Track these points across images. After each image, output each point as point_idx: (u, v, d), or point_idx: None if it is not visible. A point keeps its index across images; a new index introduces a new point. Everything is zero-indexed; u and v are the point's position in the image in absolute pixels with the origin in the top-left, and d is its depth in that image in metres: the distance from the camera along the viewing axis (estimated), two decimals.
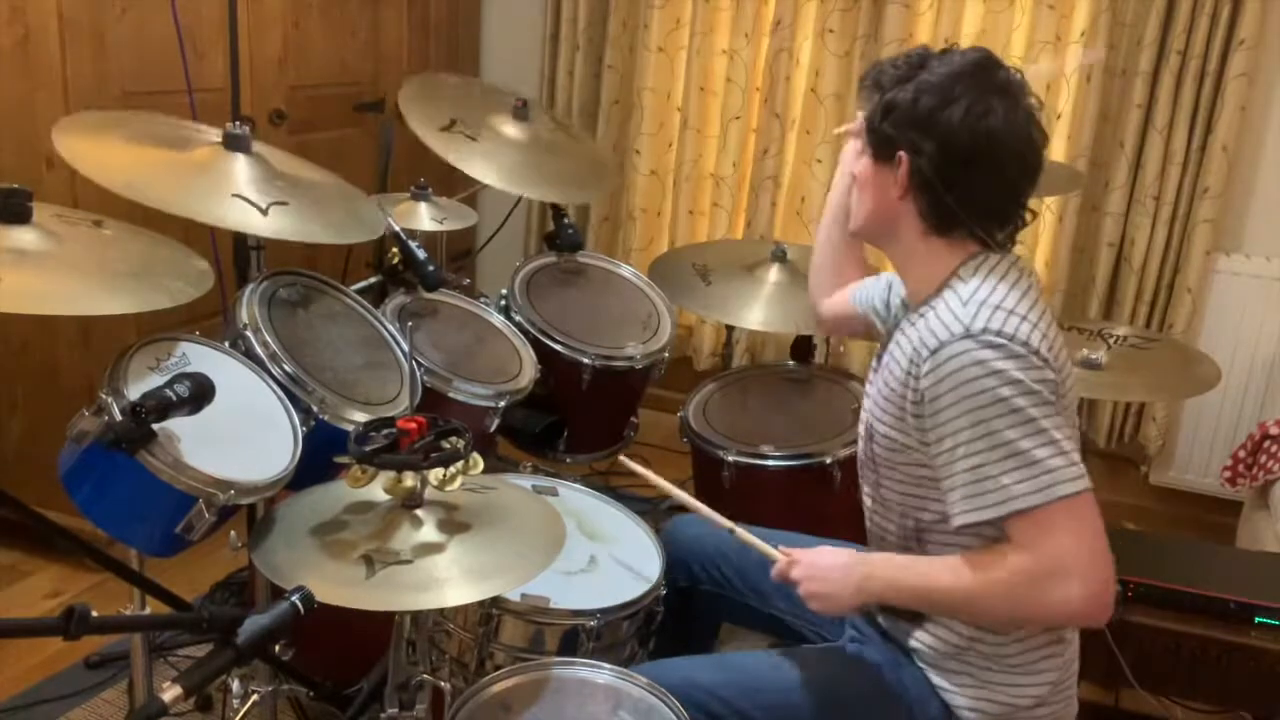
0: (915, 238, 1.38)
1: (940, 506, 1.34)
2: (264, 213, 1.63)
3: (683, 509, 1.62)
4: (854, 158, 1.55)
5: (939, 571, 1.33)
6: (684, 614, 1.70)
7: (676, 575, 1.70)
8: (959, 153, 1.31)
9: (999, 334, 1.26)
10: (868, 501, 1.51)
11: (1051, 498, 1.22)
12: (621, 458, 1.74)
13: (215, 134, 1.76)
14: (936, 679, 1.40)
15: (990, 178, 1.33)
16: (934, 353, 1.28)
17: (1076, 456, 1.25)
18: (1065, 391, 1.30)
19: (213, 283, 1.53)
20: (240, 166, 1.70)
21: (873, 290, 1.67)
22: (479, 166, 2.27)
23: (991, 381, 1.24)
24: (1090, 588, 1.25)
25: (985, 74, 1.32)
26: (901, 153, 1.34)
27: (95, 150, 1.62)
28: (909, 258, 1.42)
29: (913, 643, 1.42)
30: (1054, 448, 1.23)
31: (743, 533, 1.51)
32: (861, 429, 1.49)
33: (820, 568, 1.39)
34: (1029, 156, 1.34)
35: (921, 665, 1.41)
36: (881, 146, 1.37)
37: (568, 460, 2.40)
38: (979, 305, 1.29)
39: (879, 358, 1.47)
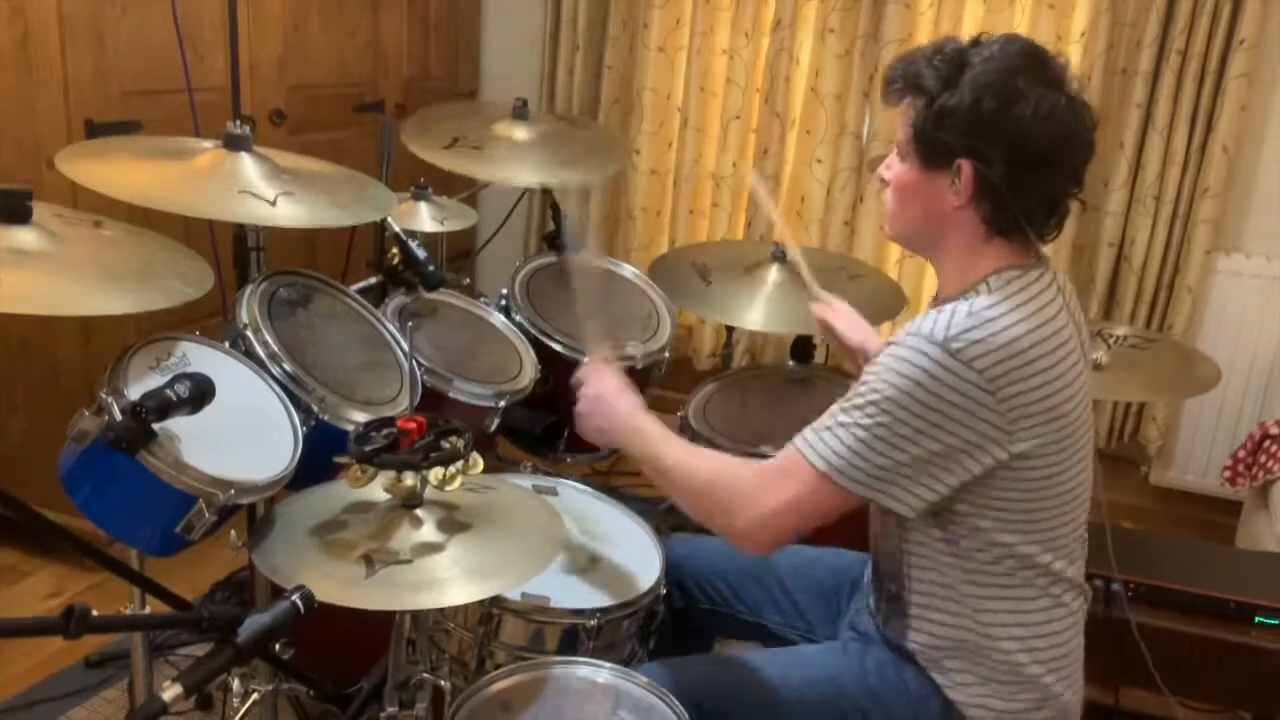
0: (965, 239, 1.32)
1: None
2: (272, 204, 1.64)
3: (680, 528, 1.63)
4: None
5: (672, 449, 1.41)
6: (681, 633, 1.70)
7: (672, 596, 1.68)
8: (1032, 155, 1.25)
9: (942, 341, 1.23)
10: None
11: (814, 461, 1.27)
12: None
13: (215, 142, 1.77)
14: (938, 677, 1.39)
15: (1058, 174, 1.28)
16: (908, 335, 1.26)
17: (869, 459, 1.25)
18: (1009, 411, 1.24)
19: (213, 283, 1.53)
20: (244, 164, 1.71)
21: None
22: (489, 171, 2.31)
23: (905, 367, 1.23)
24: (755, 536, 1.33)
25: (1040, 66, 1.27)
26: (962, 161, 1.27)
27: (102, 170, 1.64)
28: (950, 257, 1.36)
29: (910, 644, 1.42)
30: (859, 442, 1.25)
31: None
32: None
33: (604, 405, 1.49)
34: (1091, 146, 1.31)
35: (922, 664, 1.41)
36: (935, 154, 1.29)
37: (568, 460, 2.40)
38: (967, 315, 1.25)
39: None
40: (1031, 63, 1.27)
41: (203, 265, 1.54)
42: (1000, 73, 1.25)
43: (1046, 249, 1.38)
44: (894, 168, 1.37)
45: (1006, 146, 1.25)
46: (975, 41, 1.30)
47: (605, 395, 1.50)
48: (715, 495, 1.36)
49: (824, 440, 1.28)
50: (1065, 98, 1.27)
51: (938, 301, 1.39)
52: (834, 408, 1.31)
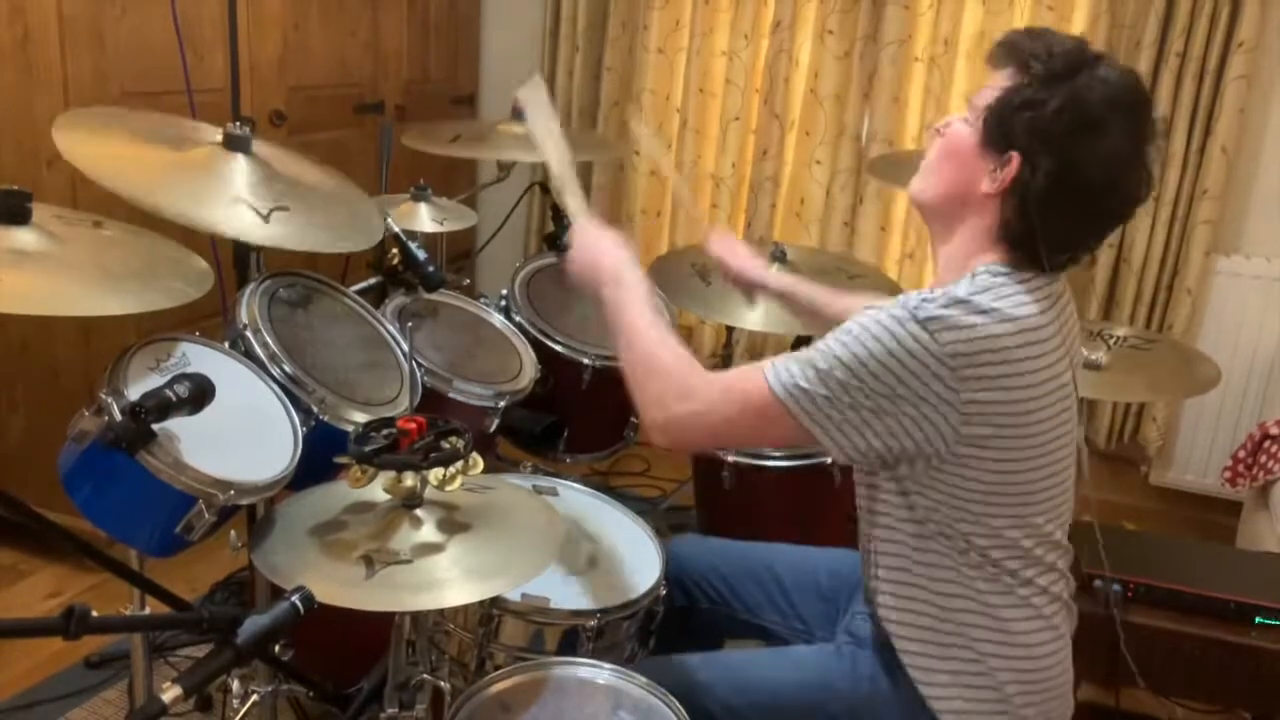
0: (977, 228, 1.31)
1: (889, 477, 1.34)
2: (265, 219, 1.62)
3: (682, 527, 1.62)
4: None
5: (643, 315, 1.40)
6: (684, 633, 1.69)
7: (673, 596, 1.68)
8: (1076, 186, 1.24)
9: (928, 322, 1.21)
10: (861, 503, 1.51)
11: (774, 384, 1.27)
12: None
13: (214, 133, 1.74)
14: (925, 690, 1.37)
15: (1087, 217, 1.27)
16: (893, 302, 1.26)
17: (832, 399, 1.24)
18: (967, 393, 1.23)
19: (213, 283, 1.53)
20: (241, 168, 1.68)
21: None
22: (496, 151, 2.41)
23: (877, 328, 1.23)
24: (680, 430, 1.34)
25: (1140, 114, 1.25)
26: (1014, 154, 1.25)
27: (95, 149, 1.60)
28: (955, 240, 1.34)
29: (902, 654, 1.41)
30: (823, 380, 1.24)
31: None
32: None
33: (600, 243, 1.49)
34: (1129, 212, 1.30)
35: (911, 674, 1.39)
36: (996, 135, 1.27)
37: (568, 460, 2.40)
38: (950, 297, 1.23)
39: None
40: (1132, 109, 1.25)
41: (203, 265, 1.54)
42: (1100, 99, 1.23)
43: None
44: (955, 126, 1.34)
45: (1060, 164, 1.23)
46: (1100, 56, 1.27)
47: (603, 239, 1.49)
48: (664, 377, 1.35)
49: (789, 369, 1.28)
50: (1140, 157, 1.25)
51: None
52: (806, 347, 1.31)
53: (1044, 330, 1.26)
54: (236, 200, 1.62)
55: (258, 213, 1.61)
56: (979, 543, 1.31)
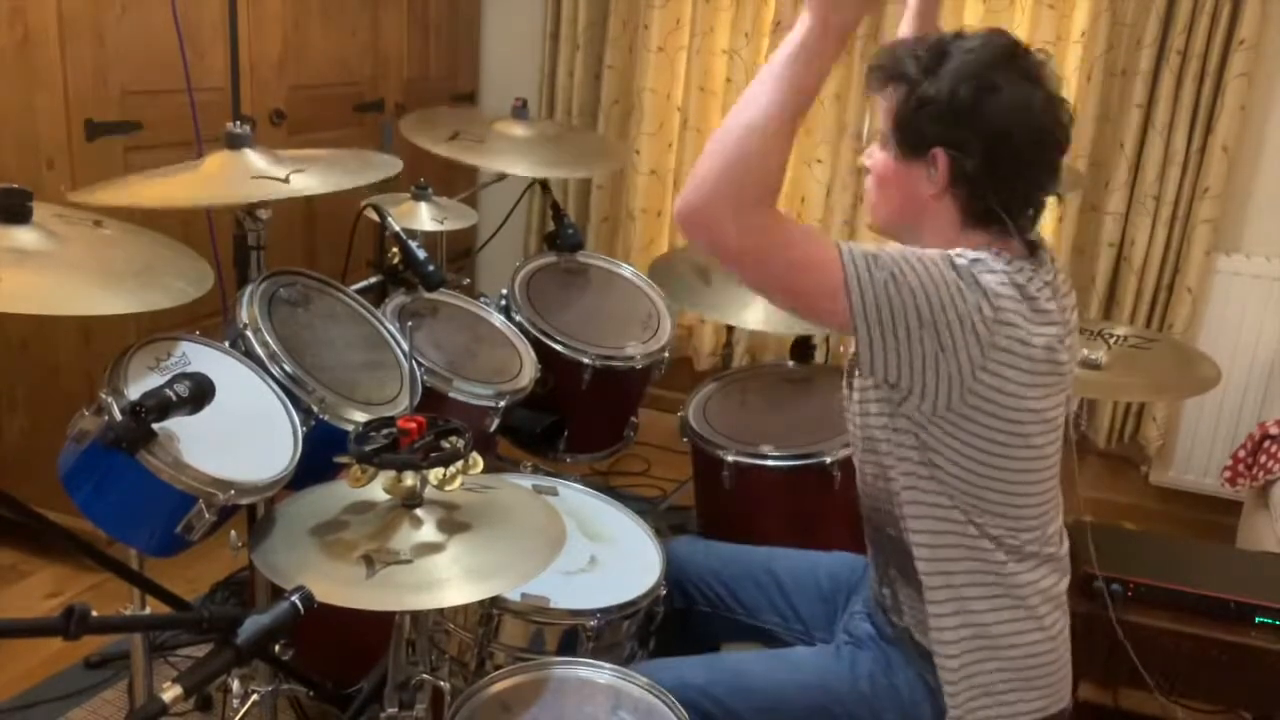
0: (946, 232, 1.33)
1: (901, 466, 1.33)
2: (285, 180, 1.67)
3: (682, 527, 1.61)
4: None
5: (785, 112, 1.22)
6: (682, 637, 1.70)
7: (672, 597, 1.68)
8: (1007, 147, 1.26)
9: (968, 267, 1.23)
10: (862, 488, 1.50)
11: (845, 256, 1.21)
12: None
13: (217, 151, 1.81)
14: (932, 681, 1.39)
15: (1032, 168, 1.29)
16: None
17: (889, 298, 1.20)
18: (994, 337, 1.24)
19: (213, 282, 1.53)
20: (249, 158, 1.75)
21: None
22: (494, 160, 2.38)
23: (928, 258, 1.23)
24: (728, 235, 1.21)
25: (1015, 60, 1.28)
26: (938, 151, 1.28)
27: (114, 194, 1.67)
28: (928, 245, 1.35)
29: (903, 646, 1.42)
30: (890, 275, 1.20)
31: None
32: (845, 392, 1.48)
33: None
34: (1064, 142, 1.31)
35: (915, 668, 1.41)
36: (912, 144, 1.31)
37: (568, 460, 2.40)
38: (969, 258, 1.26)
39: None
40: (1011, 57, 1.28)
41: (203, 264, 1.55)
42: (979, 64, 1.26)
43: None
44: (875, 156, 1.37)
45: (982, 137, 1.26)
46: (959, 34, 1.31)
47: None
48: (749, 173, 1.21)
49: (864, 252, 1.23)
50: (1043, 93, 1.28)
51: None
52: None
53: (1039, 302, 1.27)
54: (256, 177, 1.68)
55: (278, 179, 1.68)
56: (991, 531, 1.32)
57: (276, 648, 1.72)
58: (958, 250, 1.27)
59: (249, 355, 1.63)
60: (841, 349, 3.04)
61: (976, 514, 1.32)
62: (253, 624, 1.07)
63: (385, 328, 1.92)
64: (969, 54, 1.27)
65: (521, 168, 2.45)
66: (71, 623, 0.97)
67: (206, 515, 1.40)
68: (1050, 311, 1.28)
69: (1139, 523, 3.05)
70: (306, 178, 1.70)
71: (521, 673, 1.42)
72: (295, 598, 1.11)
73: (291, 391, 1.62)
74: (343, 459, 1.33)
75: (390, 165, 1.88)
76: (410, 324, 2.04)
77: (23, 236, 1.38)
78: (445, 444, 1.35)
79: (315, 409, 1.63)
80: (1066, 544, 1.43)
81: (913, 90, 1.28)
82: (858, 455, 1.46)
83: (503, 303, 2.30)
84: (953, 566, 1.34)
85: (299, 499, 1.44)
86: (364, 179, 1.81)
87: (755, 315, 2.31)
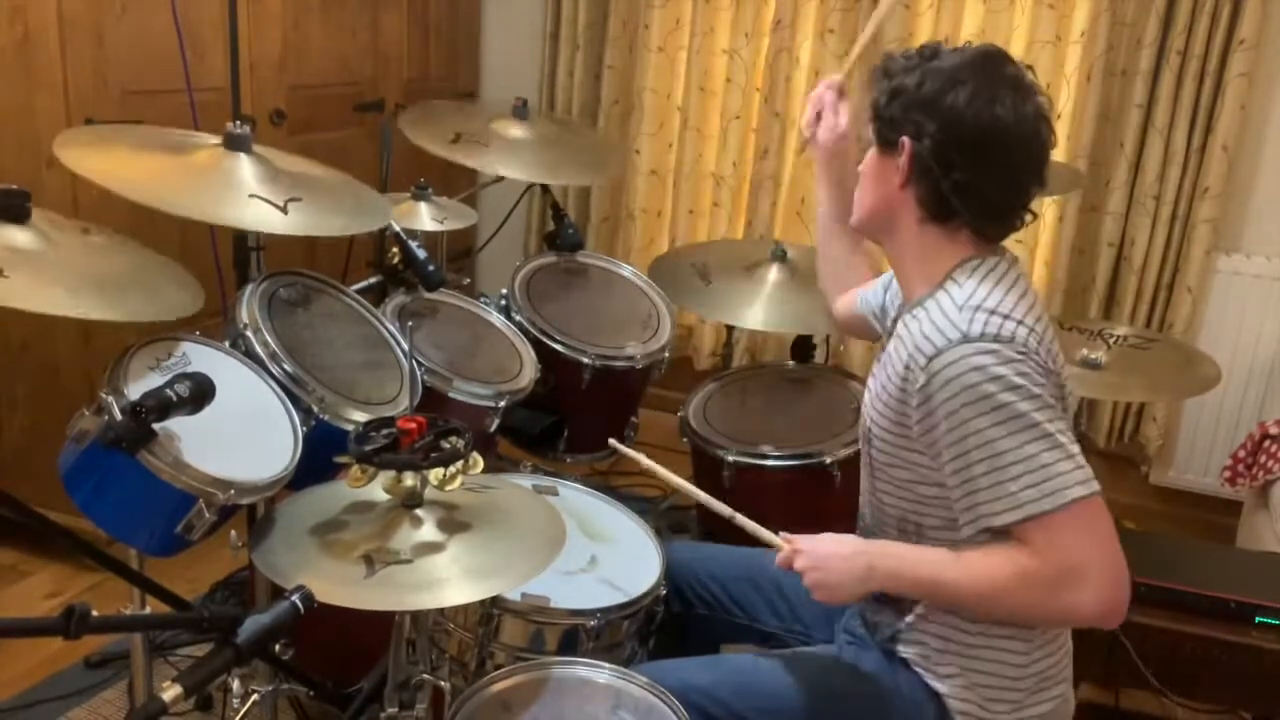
0: (912, 227, 1.36)
1: (939, 512, 1.33)
2: (283, 210, 1.64)
3: (681, 527, 1.61)
4: (827, 157, 1.71)
5: (946, 567, 1.30)
6: (680, 639, 1.69)
7: (670, 600, 1.68)
8: (961, 137, 1.29)
9: (997, 338, 1.24)
10: (865, 509, 1.51)
11: (1061, 502, 1.20)
12: (613, 442, 1.67)
13: (213, 138, 1.77)
14: (932, 682, 1.39)
15: (993, 168, 1.30)
16: (931, 359, 1.27)
17: (1082, 459, 1.23)
18: (1065, 395, 1.30)
19: (202, 297, 1.53)
20: (245, 166, 1.70)
21: (872, 293, 1.67)
22: (497, 164, 2.37)
23: (992, 387, 1.22)
24: (1103, 592, 1.22)
25: (994, 65, 1.31)
26: (905, 138, 1.32)
27: (101, 161, 1.63)
28: (906, 250, 1.40)
29: (902, 648, 1.42)
30: (1060, 451, 1.21)
31: (744, 520, 1.48)
32: (861, 431, 1.49)
33: (823, 556, 1.37)
34: (1036, 151, 1.32)
35: (916, 669, 1.41)
36: (887, 132, 1.35)
37: (568, 460, 2.40)
38: (975, 310, 1.28)
39: (878, 359, 1.47)
40: (987, 61, 1.31)
41: (190, 279, 1.55)
42: (957, 65, 1.31)
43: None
44: (866, 157, 1.43)
45: (939, 125, 1.29)
46: (957, 47, 1.35)
47: (820, 551, 1.37)
48: (1021, 593, 1.25)
49: (1025, 489, 1.21)
50: (1014, 94, 1.29)
51: (906, 307, 1.41)
52: (968, 474, 1.25)
53: (1030, 296, 1.33)
54: (252, 196, 1.64)
55: (276, 206, 1.64)
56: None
57: (276, 647, 1.72)
58: (997, 332, 1.26)
59: (249, 355, 1.63)
60: (842, 348, 3.04)
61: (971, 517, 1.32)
62: (253, 624, 1.07)
63: (385, 328, 1.92)
64: (953, 54, 1.33)
65: (525, 173, 2.44)
66: (71, 622, 0.97)
67: (206, 515, 1.40)
68: (1056, 353, 1.32)
69: (1139, 522, 3.05)
70: (303, 214, 1.66)
71: (522, 672, 1.42)
72: (295, 597, 1.11)
73: (291, 391, 1.62)
74: (343, 459, 1.33)
75: (380, 218, 1.88)
76: (410, 324, 2.04)
77: (20, 237, 1.38)
78: (445, 444, 1.35)
79: (315, 409, 1.63)
80: None
81: (892, 82, 1.35)
82: (861, 442, 1.48)
83: (503, 303, 2.30)
84: None
85: (299, 499, 1.44)
86: (357, 225, 1.80)
87: (755, 315, 2.31)
